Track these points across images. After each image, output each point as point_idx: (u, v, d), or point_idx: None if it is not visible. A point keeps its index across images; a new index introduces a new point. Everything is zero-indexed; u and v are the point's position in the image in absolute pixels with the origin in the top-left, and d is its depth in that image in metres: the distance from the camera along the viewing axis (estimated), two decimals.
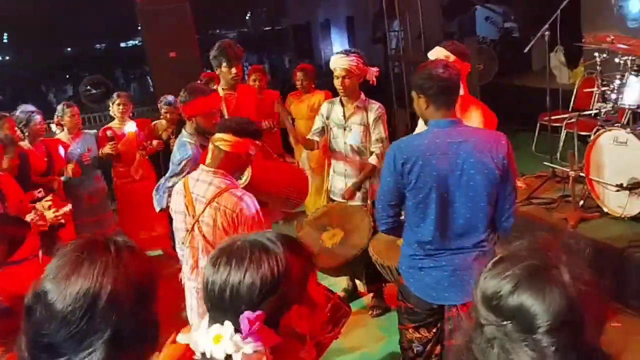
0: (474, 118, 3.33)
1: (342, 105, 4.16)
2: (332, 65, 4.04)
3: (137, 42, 20.54)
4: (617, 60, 4.91)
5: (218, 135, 2.83)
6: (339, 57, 4.03)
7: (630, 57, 4.81)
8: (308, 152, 5.25)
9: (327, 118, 4.24)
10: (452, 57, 3.40)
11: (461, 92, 3.16)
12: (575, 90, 6.52)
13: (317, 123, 4.33)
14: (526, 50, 5.41)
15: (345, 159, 4.21)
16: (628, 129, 4.55)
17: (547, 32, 5.20)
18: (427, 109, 2.66)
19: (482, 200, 2.59)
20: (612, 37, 4.93)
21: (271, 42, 19.27)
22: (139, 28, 8.39)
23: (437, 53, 3.49)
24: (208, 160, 2.87)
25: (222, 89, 4.17)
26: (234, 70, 4.05)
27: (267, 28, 20.84)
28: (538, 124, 6.54)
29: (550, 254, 1.11)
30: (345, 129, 4.16)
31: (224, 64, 4.05)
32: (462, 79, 3.16)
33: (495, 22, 11.01)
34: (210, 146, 2.88)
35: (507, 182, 2.62)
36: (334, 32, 17.84)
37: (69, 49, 23.21)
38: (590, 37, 5.28)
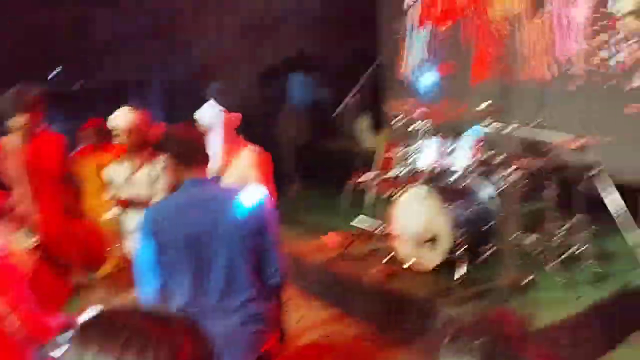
0: (245, 159, 3.60)
1: (126, 161, 4.06)
2: (112, 123, 3.93)
3: None
4: (414, 125, 5.36)
5: None
6: (120, 114, 3.95)
7: (427, 122, 5.28)
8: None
9: (112, 179, 4.10)
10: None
11: (222, 140, 3.54)
12: (378, 154, 6.98)
13: (107, 193, 4.15)
14: (335, 115, 5.69)
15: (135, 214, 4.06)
16: (425, 187, 4.93)
17: (355, 97, 5.54)
18: (176, 170, 2.66)
19: (240, 257, 2.56)
20: (411, 104, 5.40)
21: (80, 100, 18.29)
22: None
23: (208, 107, 3.76)
24: None
25: (17, 138, 3.81)
26: (22, 118, 3.72)
27: (75, 87, 19.73)
28: (347, 185, 6.85)
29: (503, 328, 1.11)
30: (131, 184, 4.04)
31: (14, 112, 3.71)
32: (231, 126, 3.65)
33: (308, 89, 11.56)
34: None
35: (265, 237, 2.63)
36: (148, 93, 17.47)
37: None
38: (392, 103, 5.72)
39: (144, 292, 2.61)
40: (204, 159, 2.72)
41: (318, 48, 10.47)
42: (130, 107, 3.97)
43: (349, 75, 5.98)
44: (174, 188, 2.71)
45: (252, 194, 2.65)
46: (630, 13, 5.55)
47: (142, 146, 3.96)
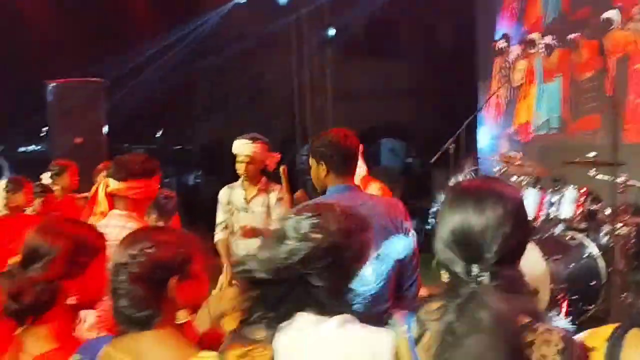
0: (375, 189, 3.65)
1: (244, 188, 4.18)
2: (235, 151, 4.09)
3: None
4: (514, 178, 5.26)
5: (117, 184, 2.71)
6: (243, 142, 4.08)
7: (529, 176, 5.20)
8: None
9: (228, 203, 4.23)
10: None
11: (364, 172, 3.53)
12: None
13: (220, 216, 4.27)
14: (432, 160, 5.63)
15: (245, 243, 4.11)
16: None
17: (451, 146, 5.51)
18: (326, 176, 2.58)
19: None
20: (520, 156, 5.37)
21: (179, 160, 19.17)
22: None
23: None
24: (117, 205, 2.72)
25: None
26: None
27: (176, 147, 20.78)
28: None
29: None
30: (247, 211, 4.15)
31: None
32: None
33: (399, 154, 11.62)
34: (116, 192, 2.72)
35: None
36: None
37: None
38: (500, 155, 5.73)
39: None
40: (354, 168, 2.64)
41: (410, 114, 10.66)
42: (249, 138, 4.08)
43: (439, 138, 5.91)
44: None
45: (395, 204, 2.57)
46: None
47: (257, 175, 4.13)
